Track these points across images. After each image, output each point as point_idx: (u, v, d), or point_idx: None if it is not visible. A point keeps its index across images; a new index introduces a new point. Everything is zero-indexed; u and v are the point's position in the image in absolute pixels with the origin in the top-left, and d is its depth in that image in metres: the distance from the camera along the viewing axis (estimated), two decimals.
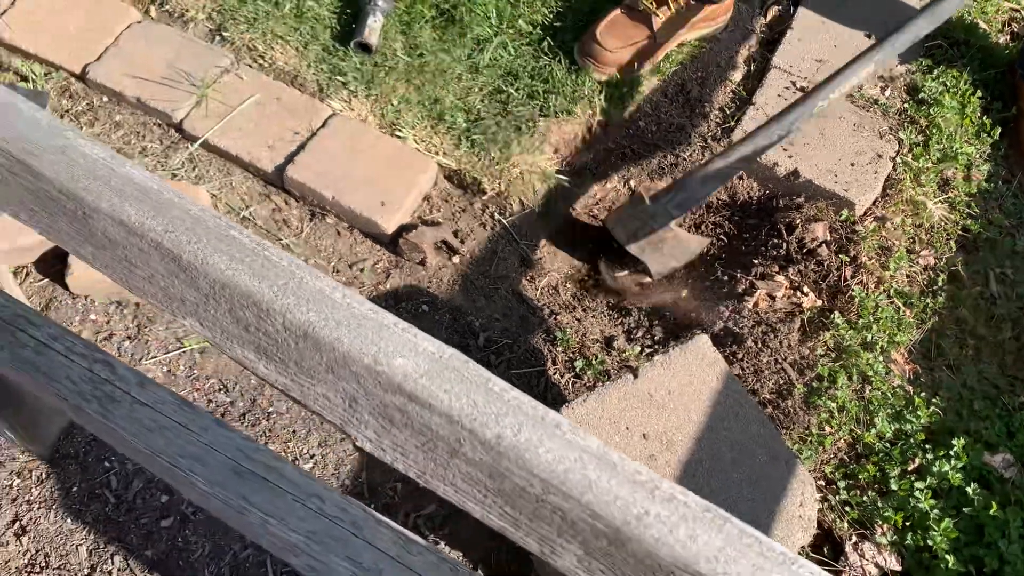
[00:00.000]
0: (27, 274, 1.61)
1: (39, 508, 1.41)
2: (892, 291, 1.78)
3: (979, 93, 2.04)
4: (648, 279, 1.81)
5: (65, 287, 1.60)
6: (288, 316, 0.66)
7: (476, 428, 0.63)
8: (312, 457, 1.50)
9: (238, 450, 1.10)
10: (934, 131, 1.97)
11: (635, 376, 1.36)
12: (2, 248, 1.55)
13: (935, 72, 2.06)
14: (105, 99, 1.82)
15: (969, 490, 1.53)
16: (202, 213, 0.72)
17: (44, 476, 1.44)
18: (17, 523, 1.40)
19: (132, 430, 1.11)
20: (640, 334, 1.74)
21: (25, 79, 1.82)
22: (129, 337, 1.57)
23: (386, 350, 0.66)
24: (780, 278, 1.80)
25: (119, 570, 1.38)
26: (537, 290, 1.79)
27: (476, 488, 0.65)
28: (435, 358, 0.67)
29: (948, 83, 2.05)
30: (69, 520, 1.41)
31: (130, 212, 0.69)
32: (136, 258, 0.70)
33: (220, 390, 1.55)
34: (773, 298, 1.78)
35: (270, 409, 1.54)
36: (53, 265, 1.63)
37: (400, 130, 1.82)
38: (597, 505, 0.61)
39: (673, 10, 1.96)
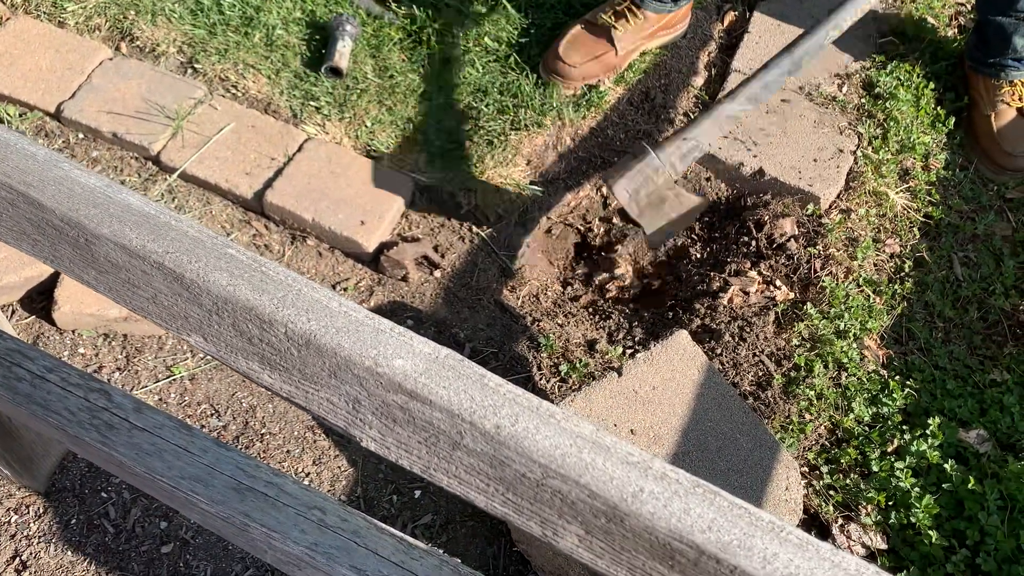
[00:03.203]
0: (13, 312, 1.63)
1: (39, 543, 1.42)
2: (861, 280, 1.84)
3: (932, 85, 2.12)
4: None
5: (52, 323, 1.61)
6: (290, 326, 0.69)
7: (476, 420, 0.67)
8: (307, 475, 1.52)
9: (238, 468, 1.13)
10: (891, 124, 2.04)
11: (620, 374, 1.40)
12: None
13: (889, 67, 2.14)
14: (81, 136, 1.84)
15: (947, 467, 1.58)
16: (199, 234, 0.75)
17: (42, 510, 1.45)
18: (17, 559, 1.40)
19: (132, 456, 1.13)
20: (621, 336, 1.79)
21: (0, 120, 1.83)
22: (119, 368, 1.59)
23: (385, 353, 0.69)
24: (752, 274, 1.85)
25: None
26: (519, 299, 1.82)
27: (479, 478, 0.68)
28: (432, 358, 0.70)
29: (902, 77, 2.12)
30: (69, 553, 1.42)
31: (131, 236, 0.72)
32: (139, 280, 0.72)
33: (212, 415, 1.57)
34: (747, 293, 1.83)
35: (263, 431, 1.56)
36: (38, 302, 1.64)
37: (375, 150, 1.86)
38: (594, 485, 0.65)
39: (632, 21, 2.02)
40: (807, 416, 1.66)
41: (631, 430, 1.36)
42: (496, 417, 0.67)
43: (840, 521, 1.57)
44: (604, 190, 2.01)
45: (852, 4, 1.61)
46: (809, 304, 1.77)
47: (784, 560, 0.64)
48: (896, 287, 1.87)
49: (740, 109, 1.60)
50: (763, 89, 1.59)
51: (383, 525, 1.11)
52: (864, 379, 1.72)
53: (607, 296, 1.91)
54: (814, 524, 1.57)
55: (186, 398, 1.58)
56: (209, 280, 0.70)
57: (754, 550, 0.64)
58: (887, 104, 2.07)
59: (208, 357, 1.63)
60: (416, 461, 0.70)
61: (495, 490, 0.68)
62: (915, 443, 1.61)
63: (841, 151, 1.99)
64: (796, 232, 1.90)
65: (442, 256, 1.81)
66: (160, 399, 1.57)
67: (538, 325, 1.78)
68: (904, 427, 1.65)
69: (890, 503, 1.57)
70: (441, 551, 1.46)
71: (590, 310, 1.87)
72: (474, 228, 1.86)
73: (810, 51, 1.58)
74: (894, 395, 1.69)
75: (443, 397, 0.67)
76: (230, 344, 0.72)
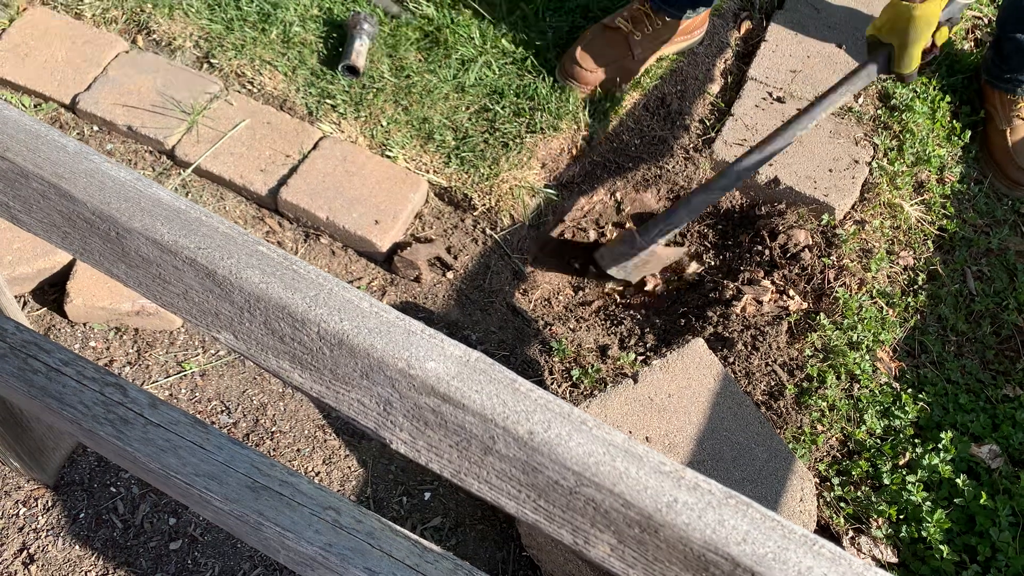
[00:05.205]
0: (24, 303, 1.62)
1: (46, 536, 1.41)
2: (875, 291, 1.84)
3: (948, 98, 2.11)
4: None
5: (63, 315, 1.60)
6: (323, 326, 0.68)
7: (509, 425, 0.66)
8: (317, 474, 1.51)
9: (253, 467, 1.12)
10: (907, 136, 2.04)
11: (635, 381, 1.39)
12: None
13: None
14: (96, 128, 1.84)
15: (959, 481, 1.57)
16: (230, 230, 0.74)
17: (50, 504, 1.44)
18: (25, 552, 1.39)
19: (146, 451, 1.12)
20: (633, 342, 1.78)
21: None
22: (130, 363, 1.58)
23: (417, 355, 0.69)
24: (766, 283, 1.85)
25: None
26: (531, 302, 1.82)
27: (510, 484, 0.68)
28: (463, 361, 0.70)
29: (918, 89, 2.12)
30: (77, 547, 1.41)
31: (163, 231, 0.71)
32: (170, 275, 0.72)
33: (223, 411, 1.56)
34: (760, 302, 1.82)
35: (273, 428, 1.55)
36: (50, 294, 1.63)
37: (390, 150, 1.85)
38: (629, 494, 0.64)
39: (650, 27, 2.01)
40: (819, 427, 1.65)
41: (646, 437, 1.35)
42: (529, 423, 0.67)
43: (851, 533, 1.56)
44: (618, 196, 2.01)
45: (834, 96, 1.69)
46: (822, 315, 1.77)
47: (819, 574, 0.64)
48: (909, 300, 1.86)
49: (714, 197, 1.76)
50: (736, 179, 1.73)
51: (397, 527, 1.10)
52: (876, 391, 1.71)
53: (618, 301, 1.91)
54: (825, 535, 1.57)
55: (196, 394, 1.57)
56: (241, 277, 0.69)
57: (789, 563, 0.63)
58: (903, 116, 2.07)
59: (219, 353, 1.62)
60: (447, 465, 0.69)
61: (526, 496, 0.68)
62: (927, 457, 1.60)
63: (856, 162, 1.99)
64: (810, 242, 1.89)
65: (455, 258, 1.80)
66: (171, 394, 1.56)
67: (550, 329, 1.77)
68: (916, 440, 1.64)
69: (901, 516, 1.56)
70: (454, 554, 1.45)
71: (602, 315, 1.87)
72: (487, 230, 1.85)
73: (782, 145, 1.69)
74: (906, 408, 1.68)
75: (476, 401, 0.67)
76: (261, 342, 0.71)
